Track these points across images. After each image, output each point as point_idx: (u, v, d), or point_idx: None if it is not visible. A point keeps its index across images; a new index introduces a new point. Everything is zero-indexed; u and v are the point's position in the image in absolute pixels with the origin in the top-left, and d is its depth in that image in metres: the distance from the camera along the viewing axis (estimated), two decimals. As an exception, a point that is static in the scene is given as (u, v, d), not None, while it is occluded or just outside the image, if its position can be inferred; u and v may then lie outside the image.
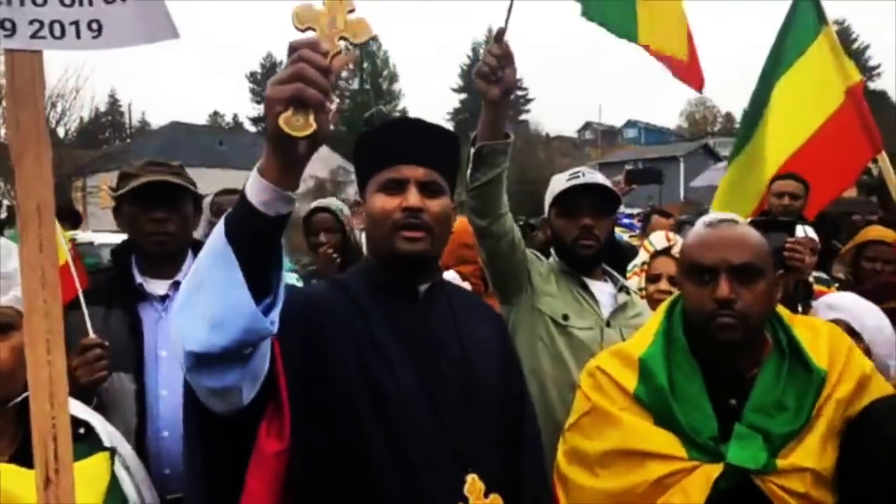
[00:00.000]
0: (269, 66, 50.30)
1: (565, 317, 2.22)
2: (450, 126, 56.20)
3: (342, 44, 1.09)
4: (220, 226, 1.12)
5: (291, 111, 1.06)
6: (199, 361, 1.13)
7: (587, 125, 60.65)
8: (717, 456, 1.47)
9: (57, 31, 1.11)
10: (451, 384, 1.44)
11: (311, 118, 1.06)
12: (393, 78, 50.95)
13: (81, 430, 1.39)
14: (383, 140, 1.55)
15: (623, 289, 2.36)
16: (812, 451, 1.46)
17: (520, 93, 55.09)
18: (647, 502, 1.50)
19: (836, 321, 1.99)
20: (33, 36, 1.09)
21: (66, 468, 1.10)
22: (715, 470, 1.46)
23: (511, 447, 1.51)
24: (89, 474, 1.33)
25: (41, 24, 1.10)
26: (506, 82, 1.98)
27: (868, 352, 1.99)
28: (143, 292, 2.09)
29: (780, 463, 1.45)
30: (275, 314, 1.14)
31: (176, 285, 2.09)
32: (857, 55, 48.29)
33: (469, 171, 2.08)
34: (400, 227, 1.45)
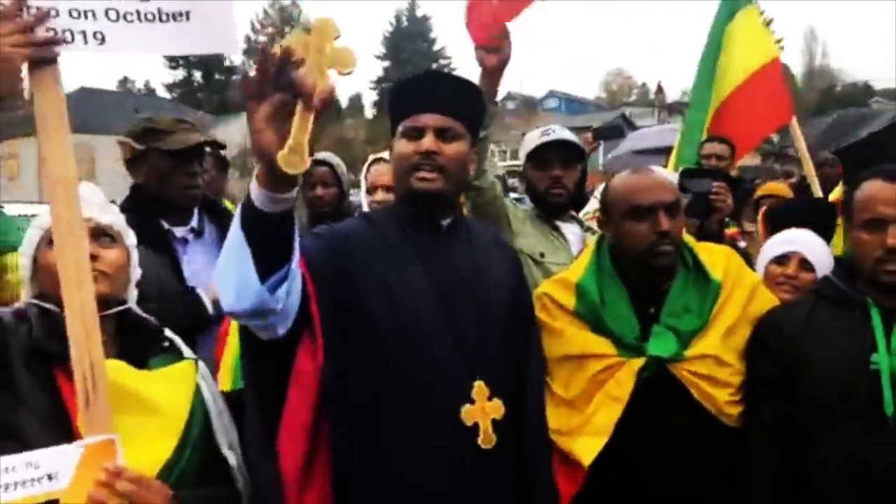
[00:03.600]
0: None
1: (542, 255, 2.55)
2: (373, 95, 54.26)
3: (332, 74, 1.19)
4: (237, 215, 1.36)
5: (287, 149, 1.19)
6: (235, 314, 1.45)
7: (509, 95, 61.27)
8: (640, 352, 1.85)
9: (68, 37, 1.40)
10: (465, 304, 1.69)
11: (306, 154, 1.19)
12: (314, 44, 49.73)
13: (166, 344, 1.59)
14: (405, 92, 1.79)
15: (588, 229, 2.72)
16: (713, 343, 1.86)
17: (443, 62, 54.99)
18: (589, 394, 1.87)
19: (792, 253, 2.32)
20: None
21: (102, 393, 1.33)
22: (638, 362, 1.84)
23: (516, 362, 1.77)
24: (179, 378, 1.54)
25: (54, 31, 1.38)
26: (503, 55, 2.27)
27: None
28: (170, 236, 2.36)
29: (688, 353, 1.84)
30: (285, 287, 1.39)
31: (192, 230, 2.39)
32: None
33: None
34: (415, 167, 1.68)
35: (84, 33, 1.40)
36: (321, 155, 3.38)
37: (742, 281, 1.96)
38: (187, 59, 48.39)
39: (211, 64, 48.99)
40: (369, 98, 53.36)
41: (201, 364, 1.62)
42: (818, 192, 4.06)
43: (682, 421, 1.84)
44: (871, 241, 1.73)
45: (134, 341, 1.56)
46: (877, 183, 1.75)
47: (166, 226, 2.36)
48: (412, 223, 1.75)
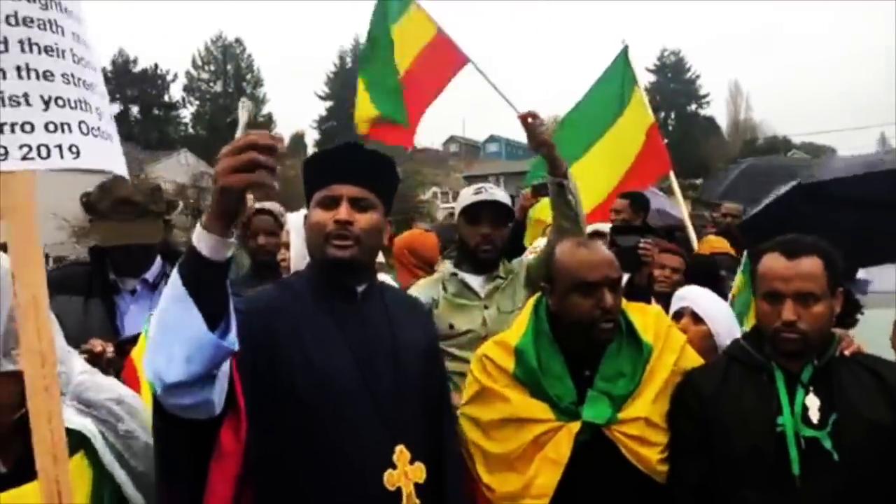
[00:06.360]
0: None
1: (451, 326, 2.67)
2: (315, 134, 54.13)
3: None
4: (175, 276, 1.33)
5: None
6: (179, 387, 1.34)
7: (451, 139, 62.25)
8: (576, 416, 1.92)
9: (44, 153, 1.32)
10: (383, 370, 1.71)
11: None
12: (258, 82, 49.62)
13: None
14: (322, 163, 1.82)
15: (496, 276, 2.82)
16: (644, 405, 1.95)
17: (387, 103, 55.42)
18: (529, 457, 1.93)
19: (684, 308, 2.50)
20: (24, 158, 1.29)
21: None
22: (575, 426, 1.91)
23: (433, 425, 1.79)
24: (74, 480, 1.40)
25: (30, 147, 1.31)
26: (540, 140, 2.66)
27: (710, 334, 2.42)
28: (117, 287, 2.46)
29: (621, 416, 1.92)
30: (233, 333, 1.37)
31: (144, 282, 2.48)
32: (690, 83, 53.39)
33: None
34: (332, 236, 1.70)
35: (60, 147, 1.34)
36: (265, 204, 3.43)
37: (671, 343, 2.07)
38: (123, 93, 47.45)
39: (148, 98, 48.14)
40: (311, 137, 53.36)
41: (121, 415, 1.60)
42: (694, 241, 4.64)
43: (619, 480, 1.91)
44: (771, 312, 1.86)
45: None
46: (775, 257, 1.89)
47: (112, 277, 2.46)
48: (328, 290, 1.76)
